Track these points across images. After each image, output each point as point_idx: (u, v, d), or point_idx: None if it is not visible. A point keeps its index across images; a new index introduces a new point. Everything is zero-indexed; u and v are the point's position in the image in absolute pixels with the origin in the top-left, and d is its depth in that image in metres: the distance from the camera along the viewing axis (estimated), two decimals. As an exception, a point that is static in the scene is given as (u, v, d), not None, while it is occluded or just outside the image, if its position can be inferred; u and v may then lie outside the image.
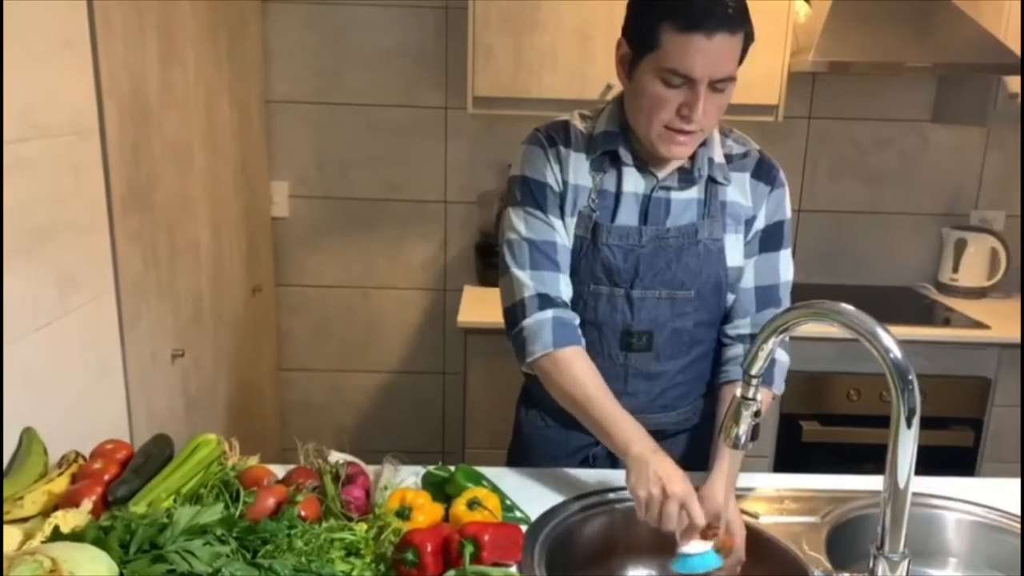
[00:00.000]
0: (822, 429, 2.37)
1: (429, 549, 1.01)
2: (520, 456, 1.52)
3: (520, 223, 1.35)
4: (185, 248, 1.99)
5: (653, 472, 1.14)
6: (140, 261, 1.74)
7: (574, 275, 1.36)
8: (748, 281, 1.39)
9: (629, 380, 1.38)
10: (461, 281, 2.77)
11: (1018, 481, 1.35)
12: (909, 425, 0.88)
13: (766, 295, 1.39)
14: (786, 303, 1.40)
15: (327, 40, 2.65)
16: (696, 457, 1.38)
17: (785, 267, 1.41)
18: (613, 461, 1.42)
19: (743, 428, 1.06)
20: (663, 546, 1.22)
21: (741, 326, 1.40)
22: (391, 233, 2.81)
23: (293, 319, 2.87)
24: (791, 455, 2.38)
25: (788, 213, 1.40)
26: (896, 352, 0.87)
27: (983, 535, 1.25)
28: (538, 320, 1.31)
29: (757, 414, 1.06)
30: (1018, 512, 1.26)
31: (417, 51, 2.66)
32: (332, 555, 1.01)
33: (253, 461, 1.32)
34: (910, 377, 0.87)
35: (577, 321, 1.35)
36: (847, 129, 2.76)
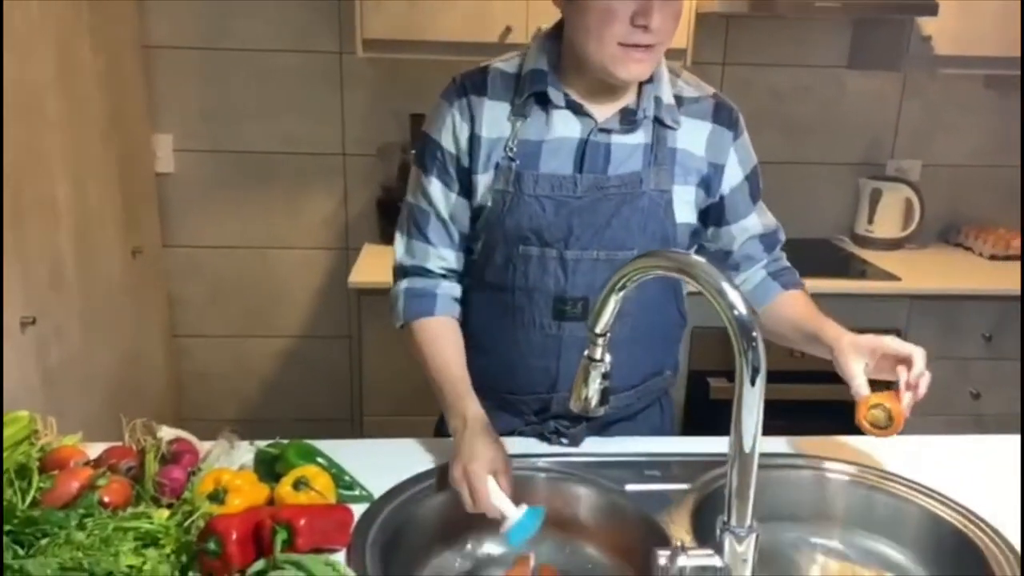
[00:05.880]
0: (731, 386, 2.29)
1: (234, 537, 0.89)
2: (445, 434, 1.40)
3: (411, 184, 1.29)
4: (35, 205, 1.81)
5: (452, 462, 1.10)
6: (-31, 219, 1.56)
7: (499, 237, 1.22)
8: (756, 231, 1.30)
9: (563, 353, 1.23)
10: (364, 239, 2.62)
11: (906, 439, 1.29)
12: (753, 384, 0.79)
13: (771, 240, 1.32)
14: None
15: (209, -21, 2.44)
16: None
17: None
18: (541, 439, 1.29)
19: (592, 390, 0.97)
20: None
21: (756, 269, 1.32)
22: (288, 189, 2.64)
23: (186, 283, 2.70)
24: (700, 413, 2.32)
25: (755, 156, 1.31)
26: (741, 309, 0.78)
27: (862, 496, 1.17)
28: (395, 292, 1.32)
29: (606, 376, 0.96)
30: (900, 472, 1.19)
31: (308, -9, 2.48)
32: (122, 547, 0.89)
33: (71, 440, 1.18)
34: (754, 334, 0.78)
35: (439, 289, 1.28)
36: (763, 76, 2.66)
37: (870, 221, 2.67)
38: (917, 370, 1.09)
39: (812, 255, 2.63)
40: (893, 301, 2.34)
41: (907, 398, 1.09)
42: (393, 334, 2.39)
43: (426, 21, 2.20)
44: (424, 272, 1.29)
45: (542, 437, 1.28)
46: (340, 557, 0.96)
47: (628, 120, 1.19)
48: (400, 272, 1.31)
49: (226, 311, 2.74)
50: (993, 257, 2.60)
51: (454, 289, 1.30)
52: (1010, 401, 2.45)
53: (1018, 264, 2.56)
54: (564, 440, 1.26)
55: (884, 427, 1.09)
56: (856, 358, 1.12)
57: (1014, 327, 2.38)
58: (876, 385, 1.14)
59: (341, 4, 2.47)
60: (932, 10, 2.20)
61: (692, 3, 2.21)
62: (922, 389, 1.09)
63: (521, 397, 1.28)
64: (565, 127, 1.19)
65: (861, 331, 2.45)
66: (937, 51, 2.34)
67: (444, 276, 1.29)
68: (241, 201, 2.64)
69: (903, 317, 2.35)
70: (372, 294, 2.22)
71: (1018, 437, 1.33)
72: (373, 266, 2.34)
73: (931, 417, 2.42)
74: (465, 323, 1.30)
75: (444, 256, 1.28)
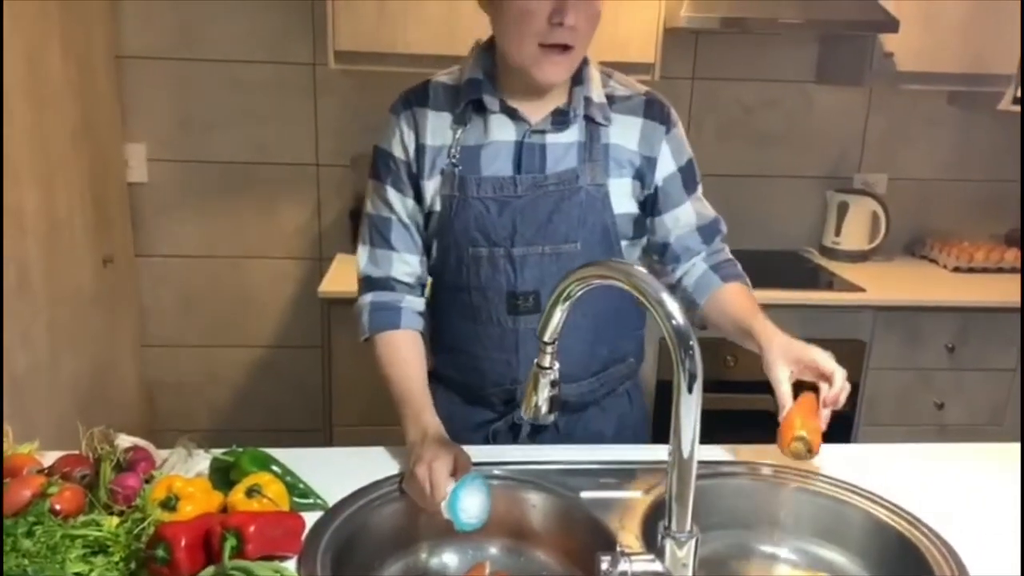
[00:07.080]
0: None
1: (183, 544, 0.90)
2: None
3: (369, 196, 1.34)
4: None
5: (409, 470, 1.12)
6: (-69, 226, 1.56)
7: (450, 240, 1.27)
8: (690, 222, 1.32)
9: (521, 347, 1.28)
10: (337, 249, 2.63)
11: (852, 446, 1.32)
12: (691, 391, 0.81)
13: (709, 231, 1.34)
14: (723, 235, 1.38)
15: (182, -11, 2.45)
16: (618, 432, 1.38)
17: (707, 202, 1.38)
18: (515, 436, 1.34)
19: (542, 398, 0.99)
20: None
21: (697, 261, 1.34)
22: (261, 199, 2.64)
23: (157, 292, 2.69)
24: (668, 422, 2.33)
25: (690, 150, 1.34)
26: (678, 319, 0.81)
27: (809, 503, 1.19)
28: (360, 304, 1.33)
29: (554, 384, 0.98)
30: (856, 480, 1.21)
31: (282, 1, 2.48)
32: (70, 554, 0.89)
33: (27, 447, 1.18)
34: (691, 343, 0.81)
35: (404, 303, 1.31)
36: (732, 90, 2.70)
37: (837, 233, 2.71)
38: (836, 388, 1.17)
39: (780, 267, 2.67)
40: (858, 312, 2.37)
41: (825, 414, 1.18)
42: (364, 344, 2.41)
43: (397, 34, 2.23)
44: (389, 284, 1.32)
45: (513, 426, 1.33)
46: (291, 564, 0.97)
47: (560, 120, 1.25)
48: (366, 284, 1.34)
49: (198, 321, 2.73)
50: (956, 269, 2.65)
51: (418, 303, 1.34)
52: (972, 411, 2.49)
53: (981, 276, 2.62)
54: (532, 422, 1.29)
55: (803, 457, 1.18)
56: (783, 365, 1.18)
57: (976, 338, 2.42)
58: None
59: (314, 16, 2.49)
60: (893, 27, 2.25)
61: (661, 18, 2.25)
62: (840, 402, 1.18)
63: (489, 391, 1.33)
64: (501, 131, 1.25)
65: (826, 342, 2.47)
66: (899, 67, 2.39)
67: (409, 288, 1.33)
68: (214, 211, 2.64)
69: (868, 328, 2.38)
70: (343, 304, 2.22)
71: (971, 446, 1.37)
72: (345, 276, 2.34)
73: (895, 427, 2.47)
74: (433, 324, 1.35)
75: (408, 261, 1.32)
